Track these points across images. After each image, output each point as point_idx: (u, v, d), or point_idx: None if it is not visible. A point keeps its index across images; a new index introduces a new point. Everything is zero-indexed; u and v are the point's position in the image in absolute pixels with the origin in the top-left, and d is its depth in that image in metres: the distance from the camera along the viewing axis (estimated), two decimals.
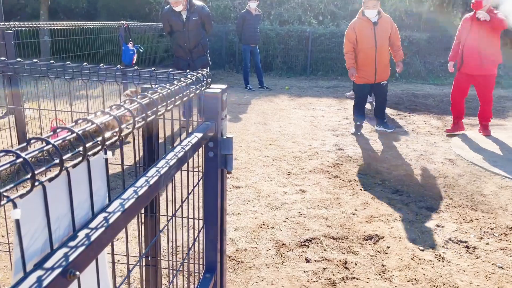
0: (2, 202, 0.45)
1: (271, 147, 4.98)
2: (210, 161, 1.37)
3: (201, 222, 1.46)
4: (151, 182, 0.84)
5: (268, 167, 4.31)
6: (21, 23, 4.37)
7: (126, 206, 0.73)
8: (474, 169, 4.33)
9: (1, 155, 0.49)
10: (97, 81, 1.34)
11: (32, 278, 0.52)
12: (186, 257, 1.22)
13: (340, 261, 2.65)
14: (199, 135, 1.18)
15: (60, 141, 0.59)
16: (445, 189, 3.82)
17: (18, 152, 0.48)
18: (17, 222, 0.50)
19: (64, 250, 0.58)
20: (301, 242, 2.86)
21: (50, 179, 0.55)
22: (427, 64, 11.51)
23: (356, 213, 3.31)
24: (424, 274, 2.52)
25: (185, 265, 1.70)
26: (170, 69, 1.36)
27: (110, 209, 0.70)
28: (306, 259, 2.66)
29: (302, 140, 5.32)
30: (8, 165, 0.50)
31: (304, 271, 2.53)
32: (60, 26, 5.05)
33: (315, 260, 2.65)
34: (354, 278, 2.48)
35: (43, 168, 0.52)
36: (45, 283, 0.52)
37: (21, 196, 0.49)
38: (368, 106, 7.14)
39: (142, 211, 1.41)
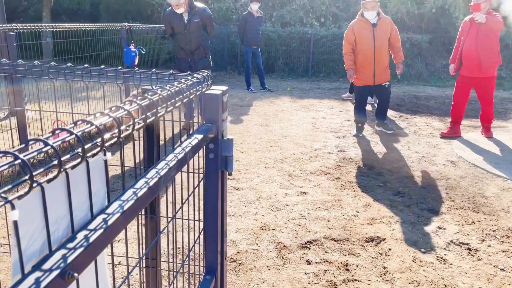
0: (0, 204, 0.45)
1: (273, 149, 4.98)
2: (210, 162, 1.37)
3: (201, 223, 1.46)
4: (151, 184, 0.83)
5: (269, 168, 4.31)
6: (23, 25, 4.39)
7: (125, 207, 0.73)
8: (476, 171, 4.32)
9: (0, 156, 0.49)
10: (97, 83, 1.35)
11: (30, 279, 0.52)
12: (187, 259, 1.21)
13: (341, 263, 2.64)
14: (200, 136, 1.18)
15: (59, 143, 0.59)
16: (447, 191, 3.81)
17: (16, 153, 0.48)
18: (15, 223, 0.50)
19: (63, 251, 0.58)
20: (302, 244, 2.85)
21: (49, 181, 0.55)
22: (429, 66, 11.50)
23: (357, 215, 3.31)
24: (426, 277, 2.51)
25: (185, 267, 1.70)
26: (171, 71, 1.36)
27: (109, 210, 0.70)
28: (307, 261, 2.66)
29: (303, 141, 5.31)
30: (7, 166, 0.50)
31: (305, 273, 2.53)
32: (62, 28, 5.06)
33: (316, 262, 2.64)
34: (355, 280, 2.48)
35: (41, 170, 0.52)
36: (43, 284, 0.51)
37: (19, 197, 0.49)
38: (369, 107, 7.13)
39: (143, 212, 1.41)
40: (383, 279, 2.49)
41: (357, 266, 2.62)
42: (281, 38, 11.78)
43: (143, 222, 1.40)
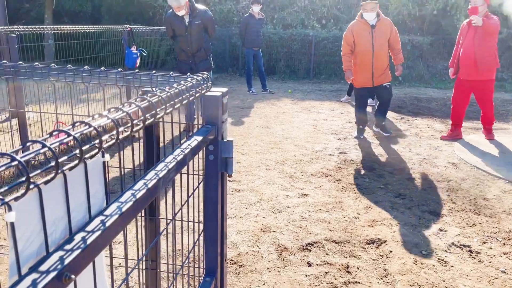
0: None
1: (274, 151, 4.97)
2: (210, 164, 1.37)
3: (201, 225, 1.46)
4: (150, 185, 0.83)
5: (270, 170, 4.31)
6: (24, 26, 4.40)
7: (124, 209, 0.72)
8: (478, 173, 4.31)
9: None
10: (97, 85, 1.35)
11: (27, 281, 0.52)
12: (186, 261, 1.21)
13: (342, 265, 2.63)
14: (199, 138, 1.17)
15: (57, 144, 0.59)
16: (448, 193, 3.80)
17: (13, 154, 0.48)
18: (12, 225, 0.50)
19: (60, 253, 0.58)
20: (303, 246, 2.85)
21: (46, 182, 0.55)
22: (430, 68, 11.49)
23: (358, 217, 3.30)
24: (427, 279, 2.51)
25: (185, 269, 1.69)
26: (171, 72, 1.36)
27: (107, 212, 0.70)
28: (308, 263, 2.65)
29: (304, 143, 5.31)
30: (4, 167, 0.50)
31: (306, 275, 2.52)
32: (64, 30, 5.07)
33: (317, 264, 2.64)
34: (356, 282, 2.47)
35: (38, 171, 0.52)
36: (40, 286, 0.51)
37: (16, 198, 0.49)
38: (369, 109, 7.12)
39: (143, 214, 1.41)
40: (384, 281, 2.49)
41: (358, 268, 2.61)
42: (282, 40, 11.80)
43: (144, 224, 1.40)
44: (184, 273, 1.79)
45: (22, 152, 0.54)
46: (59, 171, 0.56)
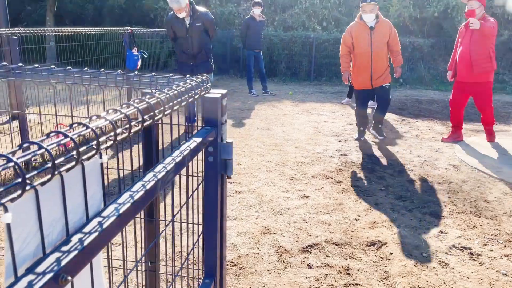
0: None
1: (274, 152, 4.97)
2: (209, 166, 1.37)
3: (201, 227, 1.46)
4: (148, 187, 0.83)
5: (271, 172, 4.30)
6: (26, 29, 4.41)
7: (121, 210, 0.72)
8: (478, 175, 4.30)
9: None
10: (97, 86, 1.35)
11: (23, 282, 0.51)
12: (185, 262, 1.21)
13: (342, 267, 2.63)
14: (198, 140, 1.17)
15: (54, 145, 0.59)
16: (449, 195, 3.79)
17: (10, 156, 0.48)
18: (8, 226, 0.50)
19: (57, 254, 0.58)
20: (304, 248, 2.84)
21: (42, 183, 0.55)
22: (431, 70, 11.49)
23: (359, 219, 3.29)
24: (427, 281, 2.50)
25: (184, 271, 1.69)
26: (170, 74, 1.36)
27: (105, 213, 0.70)
28: (308, 265, 2.65)
29: (305, 145, 5.31)
30: (0, 168, 0.50)
31: (306, 277, 2.52)
32: (65, 32, 5.09)
33: (317, 266, 2.63)
34: (356, 284, 2.46)
35: (34, 172, 0.52)
36: (36, 287, 0.51)
37: (12, 200, 0.49)
38: (370, 111, 7.12)
39: (143, 216, 1.41)
40: (384, 283, 2.48)
41: (358, 270, 2.60)
42: (283, 42, 11.81)
43: (144, 225, 1.40)
44: (184, 275, 1.79)
45: (19, 153, 0.54)
46: (56, 172, 0.56)
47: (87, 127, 0.63)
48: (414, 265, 2.66)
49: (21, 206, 0.54)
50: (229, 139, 1.41)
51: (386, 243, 2.93)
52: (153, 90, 1.21)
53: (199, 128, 1.32)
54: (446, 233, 3.10)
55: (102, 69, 1.36)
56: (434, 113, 7.55)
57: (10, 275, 0.53)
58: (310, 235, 3.02)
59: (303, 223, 3.21)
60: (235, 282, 2.46)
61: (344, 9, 12.95)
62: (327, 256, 2.76)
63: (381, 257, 2.76)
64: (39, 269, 0.54)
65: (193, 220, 1.44)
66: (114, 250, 2.66)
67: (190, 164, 1.28)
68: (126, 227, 0.88)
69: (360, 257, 2.75)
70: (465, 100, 5.48)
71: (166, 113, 0.95)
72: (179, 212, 1.26)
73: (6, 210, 0.49)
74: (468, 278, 2.54)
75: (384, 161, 4.77)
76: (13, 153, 0.51)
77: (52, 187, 0.61)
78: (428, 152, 5.09)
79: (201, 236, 1.45)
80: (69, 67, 1.37)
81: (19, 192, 0.50)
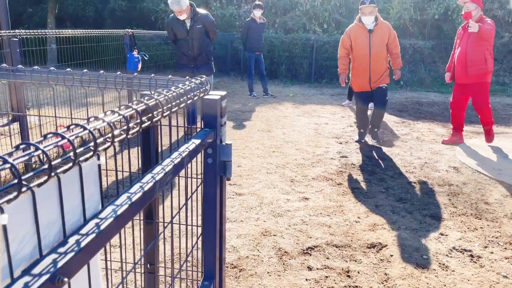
0: None
1: (275, 154, 4.97)
2: (209, 167, 1.37)
3: (200, 229, 1.45)
4: (146, 188, 0.83)
5: (271, 174, 4.30)
6: (26, 31, 4.42)
7: (119, 212, 0.72)
8: (479, 177, 4.30)
9: None
10: (96, 88, 1.35)
11: (19, 284, 0.51)
12: (184, 264, 1.21)
13: (342, 269, 2.62)
14: (197, 141, 1.17)
15: (51, 147, 0.59)
16: (450, 197, 3.79)
17: (6, 157, 0.48)
18: (4, 227, 0.50)
19: (53, 256, 0.58)
20: (304, 250, 2.84)
21: (39, 185, 0.55)
22: (431, 72, 11.49)
23: (359, 221, 3.29)
24: (428, 283, 2.49)
25: (183, 273, 1.69)
26: (169, 76, 1.36)
27: (102, 215, 0.70)
28: (308, 267, 2.64)
29: (305, 147, 5.31)
30: None
31: (306, 279, 2.51)
32: (65, 34, 5.10)
33: (317, 268, 2.63)
34: (356, 286, 2.46)
35: (31, 174, 0.52)
36: None
37: (8, 201, 0.49)
38: (370, 113, 7.10)
39: (142, 218, 1.41)
40: (384, 286, 2.48)
41: (358, 272, 2.60)
42: (284, 44, 11.82)
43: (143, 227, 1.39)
44: (183, 277, 1.79)
45: (16, 155, 0.54)
46: (53, 173, 0.56)
47: (85, 129, 0.63)
48: (415, 268, 2.66)
49: (17, 208, 0.54)
50: (229, 141, 1.41)
51: (387, 245, 2.93)
52: (152, 92, 1.21)
53: (198, 130, 1.32)
54: (446, 235, 3.09)
55: (101, 71, 1.36)
56: (435, 115, 7.55)
57: (6, 277, 0.53)
58: (310, 237, 3.01)
59: (303, 225, 3.21)
60: (235, 284, 2.45)
61: (344, 11, 12.96)
62: (327, 258, 2.75)
63: (381, 259, 2.75)
64: (36, 270, 0.54)
65: (192, 222, 1.44)
66: (114, 252, 2.66)
67: (189, 165, 1.28)
68: (125, 229, 0.87)
69: (360, 259, 2.74)
70: (466, 102, 5.48)
71: (164, 114, 0.95)
72: (178, 214, 1.26)
73: (2, 211, 0.49)
74: (468, 280, 2.53)
75: (384, 163, 4.76)
76: (10, 154, 0.51)
77: (49, 188, 0.61)
78: (428, 154, 5.08)
79: (200, 238, 1.44)
80: (68, 69, 1.38)
81: (15, 193, 0.50)
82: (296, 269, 2.63)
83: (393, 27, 5.47)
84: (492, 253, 2.85)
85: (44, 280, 0.53)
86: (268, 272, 2.58)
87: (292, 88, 10.72)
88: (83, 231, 0.65)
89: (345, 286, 2.45)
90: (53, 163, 0.55)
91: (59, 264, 0.56)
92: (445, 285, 2.48)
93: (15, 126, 4.14)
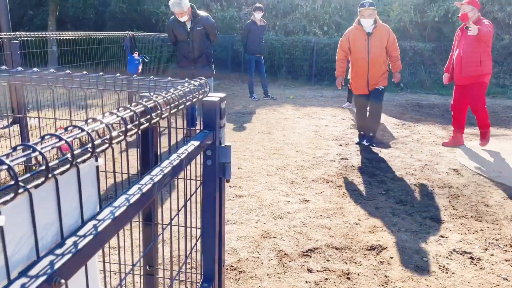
0: None
1: (275, 156, 4.97)
2: (208, 169, 1.37)
3: (199, 231, 1.45)
4: (144, 190, 0.83)
5: (271, 176, 4.30)
6: (27, 33, 4.43)
7: (117, 214, 0.72)
8: (479, 180, 4.29)
9: None
10: (96, 90, 1.35)
11: (16, 285, 0.51)
12: (183, 266, 1.21)
13: (342, 271, 2.62)
14: (196, 143, 1.17)
15: (49, 148, 0.59)
16: (450, 199, 3.78)
17: (3, 158, 0.48)
18: (1, 229, 0.50)
19: (50, 257, 0.58)
20: (304, 252, 2.83)
21: (36, 186, 0.55)
22: (432, 74, 11.50)
23: (359, 223, 3.29)
24: (428, 286, 2.49)
25: (182, 275, 1.69)
26: (169, 78, 1.37)
27: (100, 216, 0.70)
28: (308, 269, 2.64)
29: (306, 149, 5.30)
30: None
31: (306, 282, 2.51)
32: (67, 36, 5.11)
33: (317, 271, 2.62)
34: None
35: (28, 175, 0.52)
36: None
37: (4, 202, 0.49)
38: None
39: (141, 219, 1.40)
40: None
41: (358, 274, 2.59)
42: (284, 47, 11.84)
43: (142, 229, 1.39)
44: (182, 279, 1.79)
45: (13, 156, 0.54)
46: (50, 175, 0.56)
47: (83, 130, 0.63)
48: (415, 270, 2.65)
49: (14, 209, 0.54)
50: (229, 143, 1.41)
51: (387, 247, 2.92)
52: (151, 93, 1.21)
53: (197, 131, 1.32)
54: (446, 237, 3.08)
55: (101, 73, 1.36)
56: (435, 117, 7.54)
57: (3, 278, 0.53)
58: (310, 239, 3.01)
59: (303, 227, 3.20)
60: (235, 287, 2.45)
61: (345, 14, 12.98)
62: (327, 260, 2.75)
63: (381, 262, 2.75)
64: (32, 272, 0.54)
65: (191, 224, 1.44)
66: (113, 254, 2.66)
67: (188, 167, 1.28)
68: (124, 231, 0.87)
69: (360, 262, 2.74)
70: (466, 104, 5.48)
71: (163, 116, 0.95)
72: (177, 216, 1.26)
73: None
74: (468, 283, 2.53)
75: (384, 165, 4.76)
76: (7, 155, 0.51)
77: (47, 189, 0.61)
78: (428, 156, 5.08)
79: (199, 240, 1.44)
80: (67, 71, 1.38)
81: (12, 194, 0.50)
82: (296, 271, 2.62)
83: (393, 29, 5.47)
84: (492, 255, 2.84)
85: (41, 281, 0.53)
86: (268, 274, 2.58)
87: (292, 90, 10.72)
88: (81, 232, 0.65)
89: None
90: (50, 164, 0.55)
91: (56, 266, 0.56)
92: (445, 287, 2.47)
93: (15, 128, 4.15)
